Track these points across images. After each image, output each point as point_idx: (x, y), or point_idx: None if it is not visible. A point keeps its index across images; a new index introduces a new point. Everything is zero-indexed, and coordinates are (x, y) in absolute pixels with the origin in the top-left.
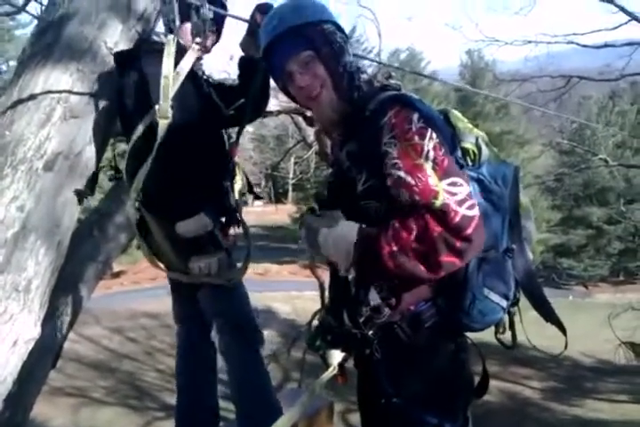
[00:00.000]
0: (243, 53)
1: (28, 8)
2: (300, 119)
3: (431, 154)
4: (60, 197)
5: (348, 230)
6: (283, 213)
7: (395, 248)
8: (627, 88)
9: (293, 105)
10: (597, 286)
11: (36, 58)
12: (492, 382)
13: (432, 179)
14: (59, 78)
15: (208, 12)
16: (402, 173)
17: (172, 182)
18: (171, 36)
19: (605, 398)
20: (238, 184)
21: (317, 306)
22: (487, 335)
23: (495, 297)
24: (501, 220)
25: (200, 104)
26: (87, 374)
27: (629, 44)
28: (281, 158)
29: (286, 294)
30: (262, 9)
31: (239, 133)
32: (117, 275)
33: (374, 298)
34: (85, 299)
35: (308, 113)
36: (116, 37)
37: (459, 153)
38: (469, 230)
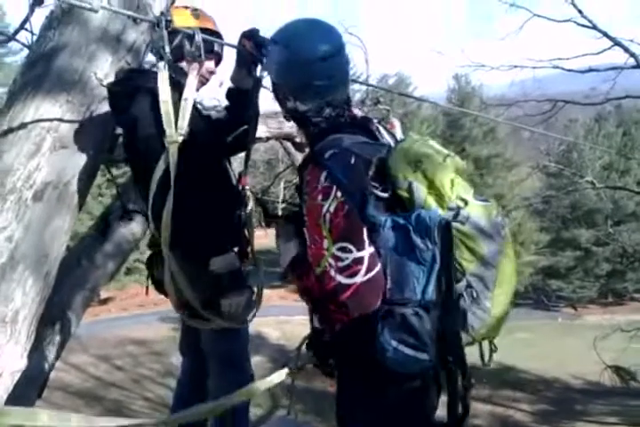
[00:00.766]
0: (232, 85)
1: (18, 37)
2: (288, 144)
3: (328, 216)
4: (48, 227)
5: (289, 252)
6: (272, 238)
7: (302, 288)
8: (612, 111)
9: (283, 131)
10: (586, 307)
11: (27, 89)
12: (483, 406)
13: (326, 241)
14: (48, 109)
15: (201, 39)
16: (305, 231)
17: (193, 217)
18: (161, 63)
19: (595, 420)
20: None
21: (307, 331)
22: (476, 358)
23: (408, 350)
24: (425, 273)
25: (207, 133)
26: (73, 403)
27: (613, 68)
28: (271, 183)
29: (275, 318)
30: (248, 35)
31: (246, 162)
32: (105, 301)
33: (315, 322)
34: (73, 328)
35: (297, 139)
36: (106, 69)
37: (370, 207)
38: (343, 297)
